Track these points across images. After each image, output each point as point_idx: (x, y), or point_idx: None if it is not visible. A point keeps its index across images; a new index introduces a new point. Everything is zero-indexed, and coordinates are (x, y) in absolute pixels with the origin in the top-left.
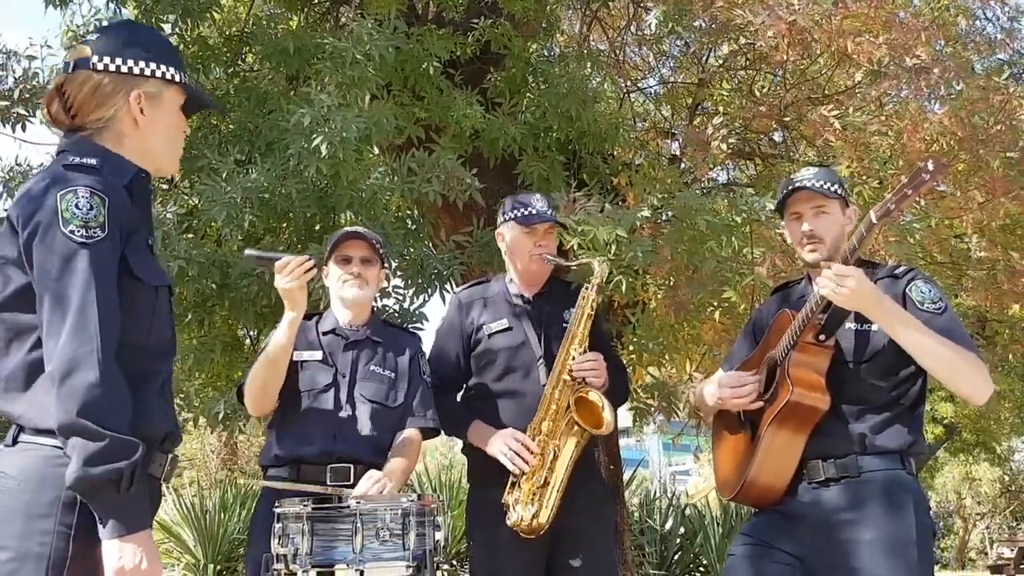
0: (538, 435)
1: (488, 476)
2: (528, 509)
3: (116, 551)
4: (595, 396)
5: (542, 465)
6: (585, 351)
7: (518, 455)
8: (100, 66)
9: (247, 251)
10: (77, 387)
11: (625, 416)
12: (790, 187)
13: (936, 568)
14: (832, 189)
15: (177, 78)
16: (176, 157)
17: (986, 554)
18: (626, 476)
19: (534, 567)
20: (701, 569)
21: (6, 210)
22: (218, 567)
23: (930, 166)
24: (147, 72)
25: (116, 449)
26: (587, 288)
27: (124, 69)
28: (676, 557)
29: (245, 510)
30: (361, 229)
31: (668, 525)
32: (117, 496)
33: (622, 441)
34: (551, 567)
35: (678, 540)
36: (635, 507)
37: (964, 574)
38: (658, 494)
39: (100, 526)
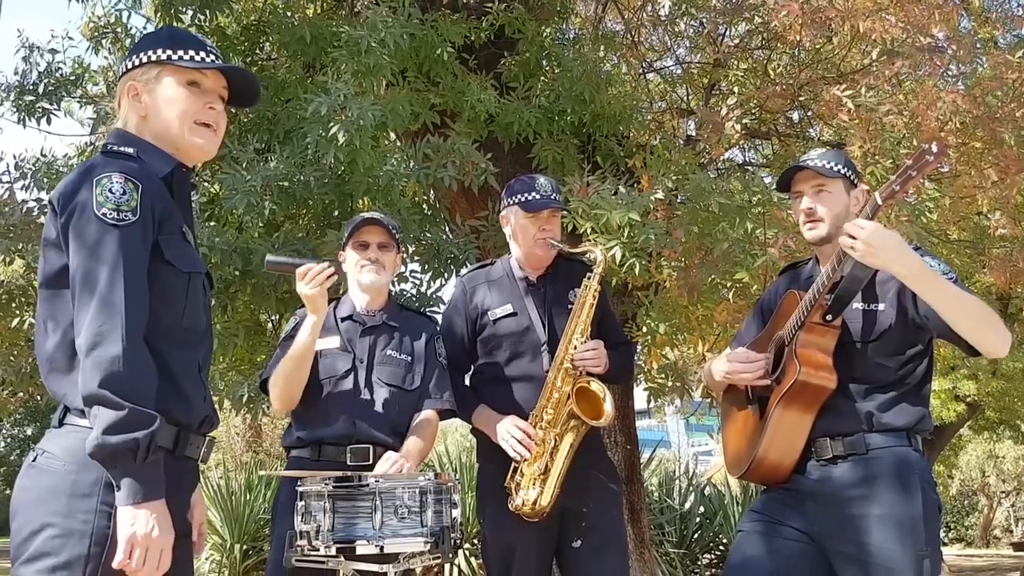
0: (540, 423)
1: (498, 455)
2: (530, 493)
3: (130, 517)
4: (596, 386)
5: (543, 452)
6: (587, 340)
7: (520, 443)
8: (119, 74)
9: (268, 257)
10: (101, 360)
11: (642, 397)
12: (794, 167)
13: (961, 546)
14: (835, 168)
15: (164, 56)
16: (184, 133)
17: (1011, 531)
18: (646, 456)
19: (544, 545)
20: (721, 548)
21: (34, 200)
22: (244, 546)
23: (934, 148)
24: (136, 62)
25: (134, 420)
26: (590, 277)
27: (124, 69)
28: (696, 536)
29: (270, 491)
30: (378, 215)
31: (687, 504)
32: (134, 465)
33: (644, 422)
34: (559, 546)
35: (697, 519)
36: (654, 487)
37: (989, 552)
38: (678, 474)
39: (117, 492)
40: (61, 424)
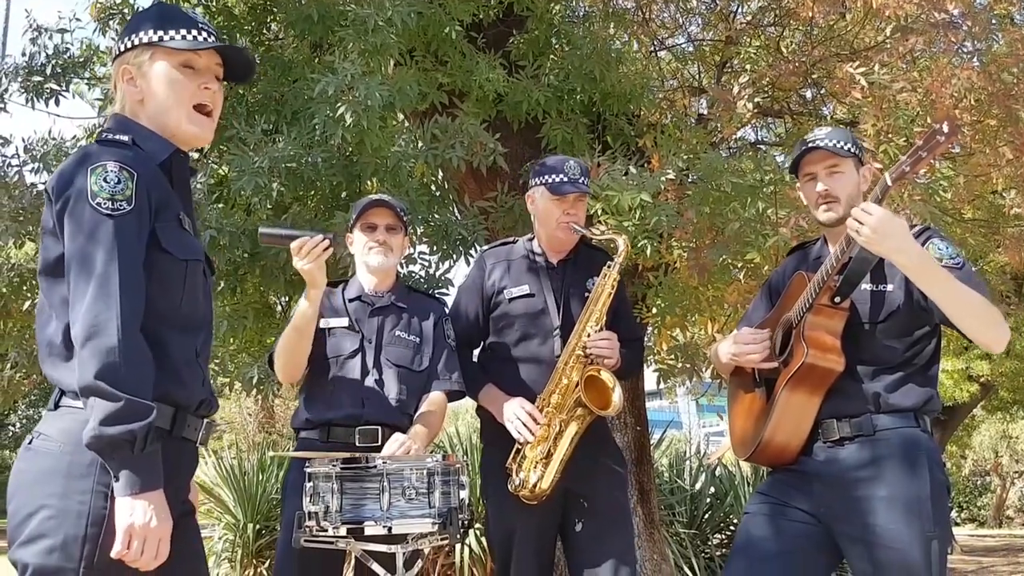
0: (546, 407)
1: (502, 436)
2: (530, 476)
3: (128, 508)
4: (606, 376)
5: (547, 437)
6: (602, 328)
7: (525, 425)
8: (112, 57)
9: (261, 229)
10: (97, 350)
11: (652, 377)
12: (803, 147)
13: (973, 526)
14: (846, 148)
15: (155, 38)
16: (181, 118)
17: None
18: (656, 437)
19: (544, 527)
20: (731, 528)
21: (43, 183)
22: (257, 526)
23: (945, 128)
24: (128, 45)
25: (131, 411)
26: (609, 266)
27: (117, 51)
28: (706, 516)
29: (282, 471)
30: (386, 197)
31: (698, 485)
32: (131, 456)
33: (655, 403)
34: (563, 529)
35: (708, 500)
36: (665, 468)
37: (1002, 532)
38: (688, 455)
39: (114, 482)
40: (57, 407)
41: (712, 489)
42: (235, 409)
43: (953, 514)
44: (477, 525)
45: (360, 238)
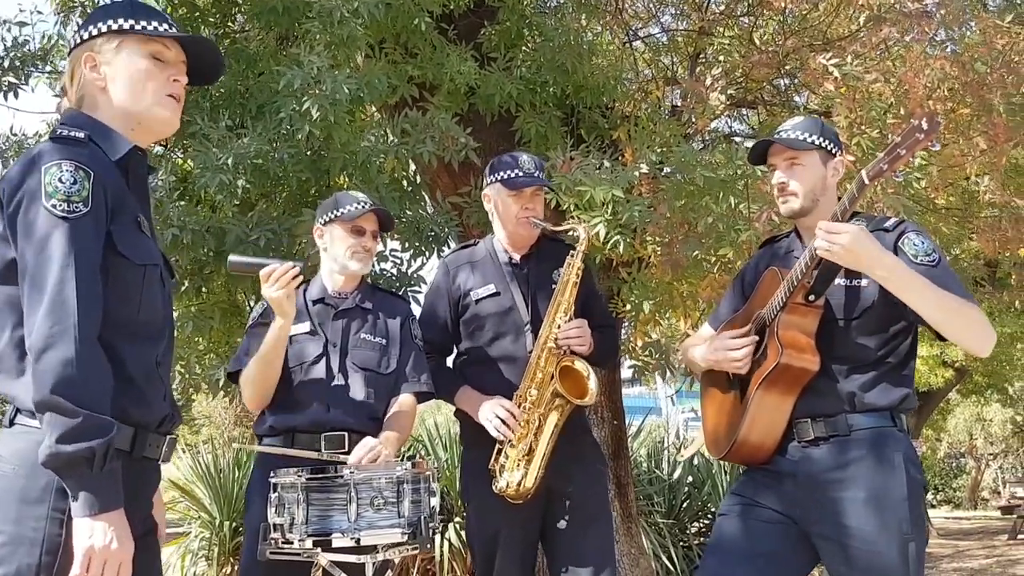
0: (524, 403)
1: (482, 438)
2: (514, 475)
3: (87, 529)
4: (580, 365)
5: (527, 433)
6: (571, 318)
7: (504, 423)
8: (71, 46)
9: (231, 257)
10: (52, 363)
11: (628, 365)
12: (762, 140)
13: (949, 508)
14: (808, 140)
15: (127, 26)
16: (151, 104)
17: (999, 493)
18: (636, 425)
19: (528, 527)
20: (709, 516)
21: None
22: (234, 524)
23: (924, 124)
24: (94, 32)
25: (89, 427)
26: (572, 255)
27: (79, 39)
28: (684, 505)
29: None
30: (381, 206)
31: (676, 474)
32: (90, 474)
33: (634, 390)
34: (544, 527)
35: (686, 489)
36: (643, 458)
37: (977, 514)
38: (666, 444)
39: (72, 502)
40: (12, 424)
41: (690, 478)
42: (211, 402)
43: (929, 496)
44: (457, 519)
45: (345, 239)
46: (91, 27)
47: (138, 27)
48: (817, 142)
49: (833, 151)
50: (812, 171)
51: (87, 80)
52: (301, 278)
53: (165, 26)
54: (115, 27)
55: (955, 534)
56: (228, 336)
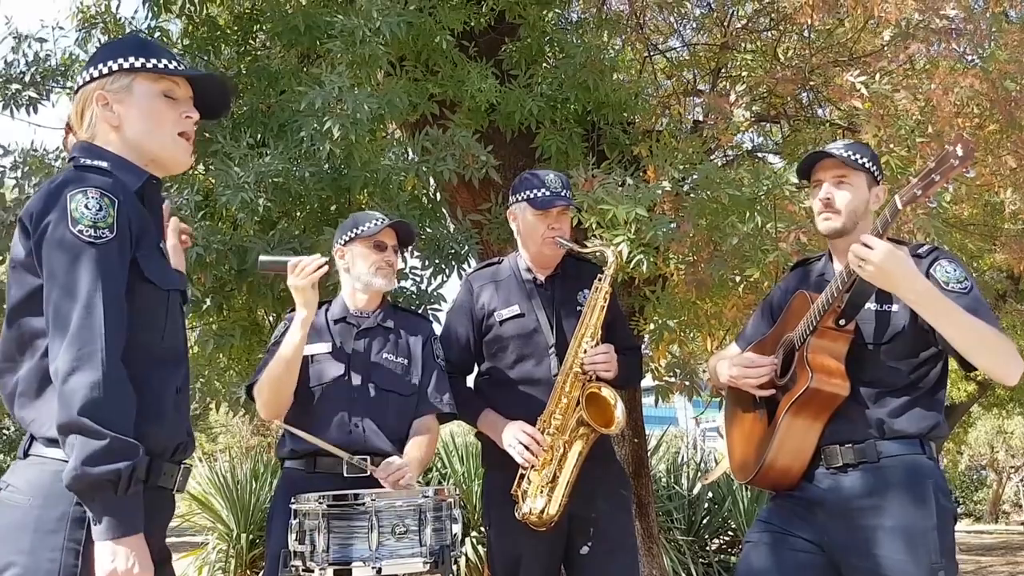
0: (547, 428)
1: (505, 460)
2: (537, 502)
3: (109, 553)
4: (607, 392)
5: (551, 460)
6: (598, 343)
7: (528, 449)
8: (80, 83)
9: (261, 257)
10: (79, 386)
11: (650, 379)
12: (816, 153)
13: (970, 521)
14: (859, 161)
15: (138, 64)
16: (166, 143)
17: (1020, 507)
18: (656, 438)
19: (551, 553)
20: (729, 533)
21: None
22: (250, 536)
23: (959, 151)
24: (105, 70)
25: (116, 449)
26: (600, 279)
27: (89, 77)
28: (704, 522)
29: (277, 479)
30: (403, 220)
31: (696, 490)
32: (114, 497)
33: (651, 399)
34: (567, 552)
35: (706, 505)
36: (663, 473)
37: (998, 527)
38: (685, 459)
39: (94, 526)
40: (27, 455)
41: (710, 494)
42: (229, 413)
43: (955, 543)
44: (474, 533)
45: (368, 255)
46: (101, 65)
47: (149, 65)
48: (867, 165)
49: (878, 178)
50: (858, 192)
51: (100, 118)
52: (326, 268)
53: (174, 64)
54: (126, 65)
55: (976, 549)
56: (248, 354)
